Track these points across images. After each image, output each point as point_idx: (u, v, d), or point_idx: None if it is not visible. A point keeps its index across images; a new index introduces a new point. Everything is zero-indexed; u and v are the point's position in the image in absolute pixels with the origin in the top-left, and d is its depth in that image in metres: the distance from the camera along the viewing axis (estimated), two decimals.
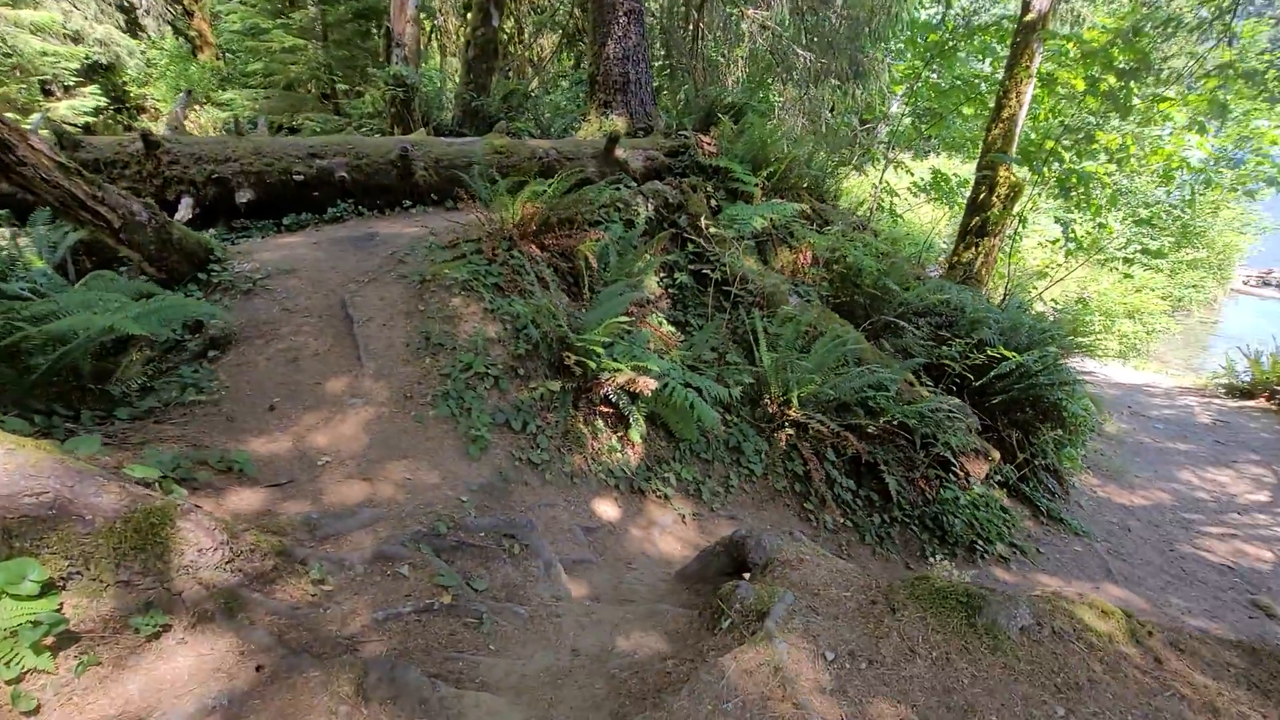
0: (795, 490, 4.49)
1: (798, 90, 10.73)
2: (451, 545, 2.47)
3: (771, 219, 5.95)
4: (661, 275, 5.56)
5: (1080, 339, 6.56)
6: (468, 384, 3.46)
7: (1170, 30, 6.31)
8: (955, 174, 11.83)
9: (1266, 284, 19.62)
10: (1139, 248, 13.11)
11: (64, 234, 4.16)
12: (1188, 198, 9.24)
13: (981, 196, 9.19)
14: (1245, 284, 19.45)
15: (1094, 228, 9.08)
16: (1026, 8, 8.38)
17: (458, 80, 9.73)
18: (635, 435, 3.87)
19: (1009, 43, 8.88)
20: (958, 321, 6.28)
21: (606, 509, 3.47)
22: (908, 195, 12.46)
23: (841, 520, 4.48)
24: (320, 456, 2.87)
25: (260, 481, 2.59)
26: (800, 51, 10.24)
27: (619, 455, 3.76)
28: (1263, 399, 8.78)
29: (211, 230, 5.19)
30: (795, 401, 4.66)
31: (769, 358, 4.83)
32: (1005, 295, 8.53)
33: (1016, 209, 9.05)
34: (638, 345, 3.91)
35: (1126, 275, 11.22)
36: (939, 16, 10.00)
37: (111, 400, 2.93)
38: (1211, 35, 6.14)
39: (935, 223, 13.80)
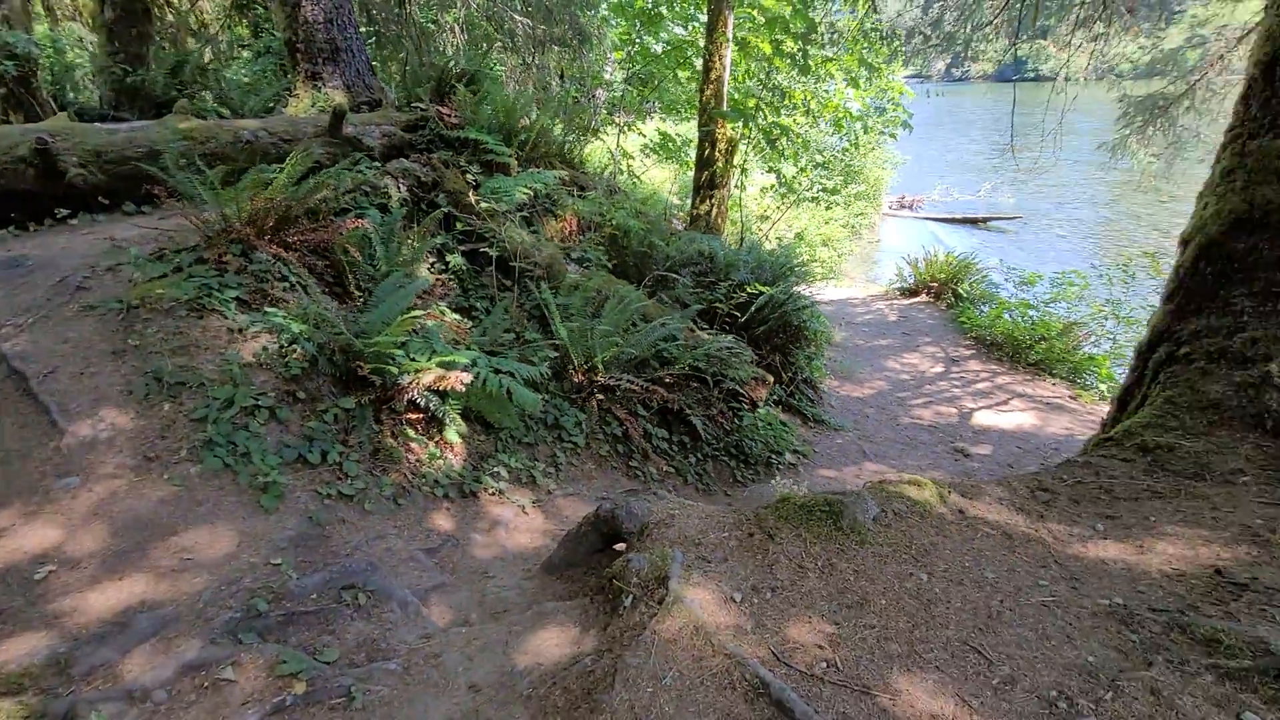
0: (619, 452, 4.57)
1: (520, 57, 10.55)
2: (280, 621, 2.00)
3: (534, 189, 5.81)
4: (432, 261, 5.11)
5: (806, 268, 7.70)
6: (235, 424, 2.79)
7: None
8: (678, 134, 12.87)
9: (903, 207, 24.83)
10: (821, 188, 15.82)
11: None
12: (854, 141, 11.29)
13: (706, 153, 10.11)
14: (890, 209, 24.44)
15: (797, 173, 10.63)
16: None
17: (98, 51, 7.60)
18: (453, 436, 3.54)
19: (706, 9, 9.79)
20: (716, 268, 6.90)
21: (442, 522, 3.14)
22: (640, 157, 13.24)
23: (665, 469, 4.70)
24: (37, 567, 2.08)
25: None
26: (518, 17, 10.03)
27: (440, 461, 3.42)
28: (924, 295, 11.34)
29: None
30: (601, 366, 4.71)
31: (565, 329, 4.78)
32: (741, 240, 9.60)
33: (736, 161, 10.20)
34: (435, 339, 3.55)
35: (829, 207, 13.42)
36: None
37: None
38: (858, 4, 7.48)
39: (669, 180, 14.93)
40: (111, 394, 2.85)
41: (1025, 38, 9.60)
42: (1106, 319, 9.05)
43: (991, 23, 9.11)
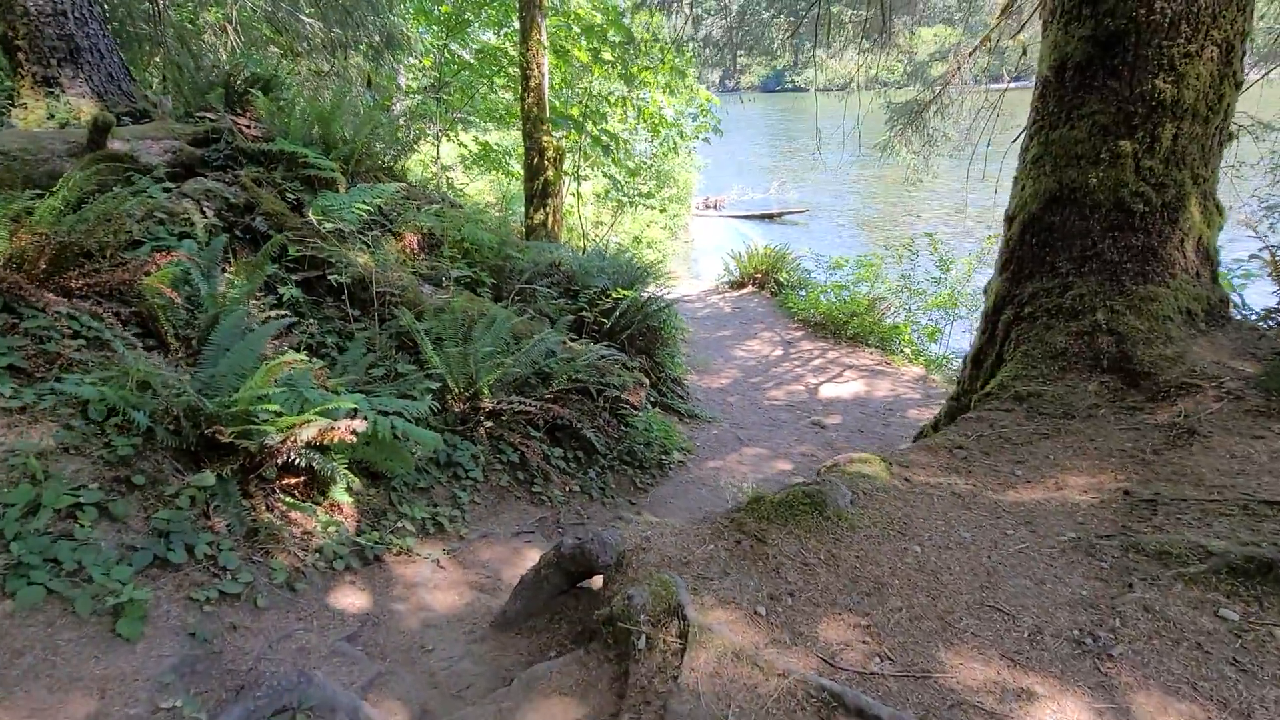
0: (519, 479, 4.26)
1: (312, 63, 9.48)
2: None
3: (373, 205, 5.21)
4: (259, 294, 4.35)
5: (657, 269, 7.89)
6: (50, 534, 2.08)
7: (642, 8, 7.76)
8: (497, 144, 12.49)
9: (708, 207, 26.66)
10: (637, 192, 16.40)
11: None
12: (671, 146, 11.83)
13: (535, 162, 9.92)
14: (698, 210, 26.11)
15: (626, 178, 10.86)
16: None
17: None
18: (341, 495, 3.02)
19: (518, 16, 9.59)
20: (573, 276, 6.78)
21: (353, 599, 2.66)
22: (460, 169, 12.63)
23: (569, 488, 4.48)
24: None
25: None
26: (307, 19, 9.01)
27: (332, 529, 2.89)
28: (750, 286, 12.25)
29: None
30: (485, 391, 4.35)
31: (439, 356, 4.34)
32: (583, 247, 9.57)
33: (567, 169, 10.14)
34: (304, 386, 2.99)
35: (661, 210, 13.89)
36: None
37: None
38: (679, 10, 7.82)
39: (486, 192, 14.42)
40: None
41: (805, 53, 10.76)
42: (901, 292, 10.49)
43: (779, 41, 10.04)
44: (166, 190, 4.41)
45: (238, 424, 2.56)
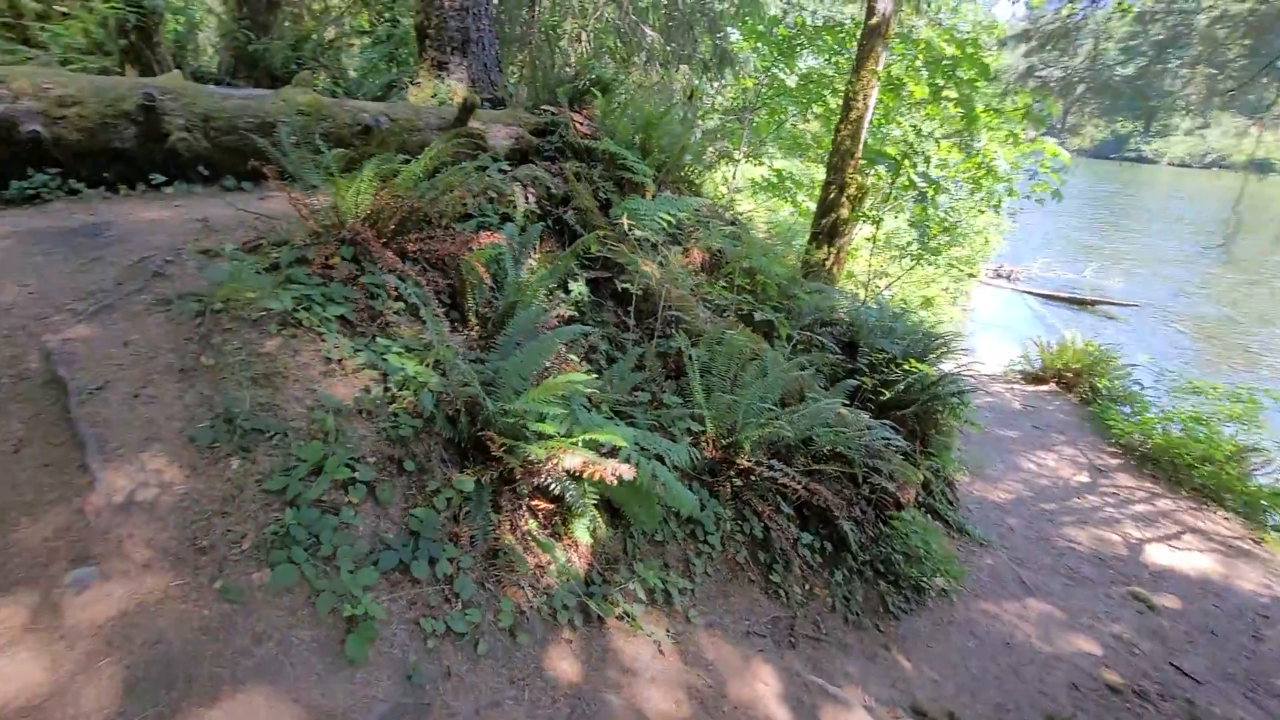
0: (757, 559, 3.63)
1: (645, 73, 9.94)
2: None
3: (675, 216, 5.00)
4: (551, 287, 4.33)
5: (952, 343, 6.65)
6: (322, 506, 1.99)
7: (1020, 42, 6.57)
8: (792, 174, 12.02)
9: (999, 276, 23.29)
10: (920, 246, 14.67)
11: None
12: (995, 203, 10.19)
13: (832, 197, 9.20)
14: (986, 277, 22.94)
15: (934, 230, 9.62)
16: (871, 11, 8.45)
17: (225, 17, 7.26)
18: (582, 534, 2.68)
19: (853, 44, 8.97)
20: (859, 332, 5.95)
21: (566, 667, 2.26)
22: (749, 194, 12.43)
23: (810, 587, 3.72)
24: None
25: None
26: (648, 30, 9.43)
27: (564, 572, 2.55)
28: (1052, 384, 10.04)
29: None
30: (745, 446, 3.80)
31: (703, 393, 3.90)
32: (866, 298, 8.60)
33: (866, 210, 9.25)
34: (575, 403, 2.71)
35: (946, 270, 12.29)
36: (786, 12, 9.85)
37: None
38: (1071, 52, 6.51)
39: (761, 220, 14.07)
40: (166, 433, 2.10)
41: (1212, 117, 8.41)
42: None
43: (1186, 96, 7.94)
44: (502, 172, 4.64)
45: (509, 435, 2.32)
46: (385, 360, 2.44)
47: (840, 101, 9.36)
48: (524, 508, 2.57)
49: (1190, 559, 5.99)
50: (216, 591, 1.71)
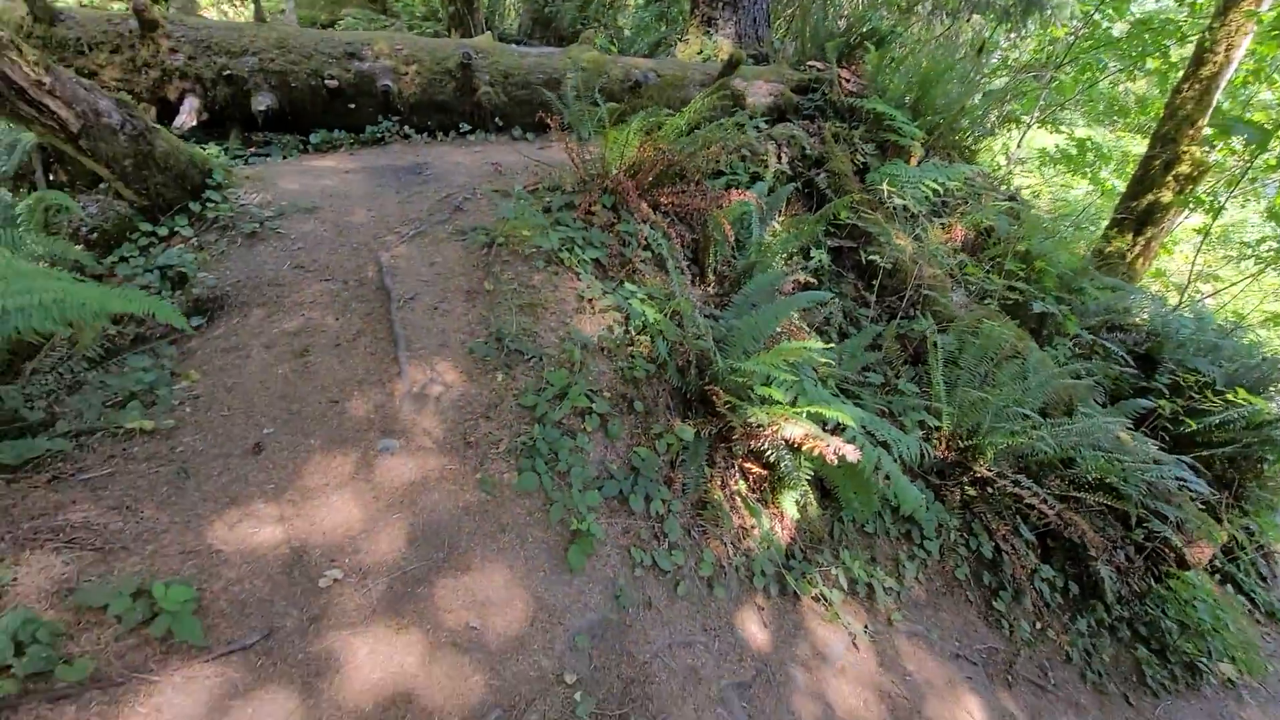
0: (980, 580, 3.23)
1: (928, 25, 8.90)
2: None
3: (941, 186, 4.48)
4: (795, 252, 4.19)
5: None
6: (562, 428, 2.21)
7: None
8: (1094, 144, 9.97)
9: None
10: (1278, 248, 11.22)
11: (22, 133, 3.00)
12: None
13: (1152, 173, 7.47)
14: None
15: None
16: None
17: None
18: (789, 506, 2.62)
19: None
20: (1161, 344, 4.83)
21: (756, 632, 2.27)
22: (1035, 165, 10.63)
23: (1040, 627, 3.23)
24: (326, 566, 1.68)
25: (206, 649, 1.40)
26: None
27: (767, 540, 2.53)
28: None
29: (220, 145, 3.93)
30: (986, 452, 3.36)
31: (949, 388, 3.50)
32: (1179, 305, 6.94)
33: (1199, 194, 7.35)
34: (804, 372, 2.61)
35: None
36: None
37: None
38: None
39: (1051, 199, 11.95)
40: (453, 342, 2.50)
41: None
42: None
43: None
44: (758, 130, 4.56)
45: (734, 393, 2.33)
46: (629, 304, 2.59)
47: (1187, 54, 7.47)
48: (736, 469, 2.58)
49: None
50: (477, 481, 2.01)
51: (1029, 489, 3.29)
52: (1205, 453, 4.45)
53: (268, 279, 2.79)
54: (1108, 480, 3.63)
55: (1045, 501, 3.29)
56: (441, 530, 1.85)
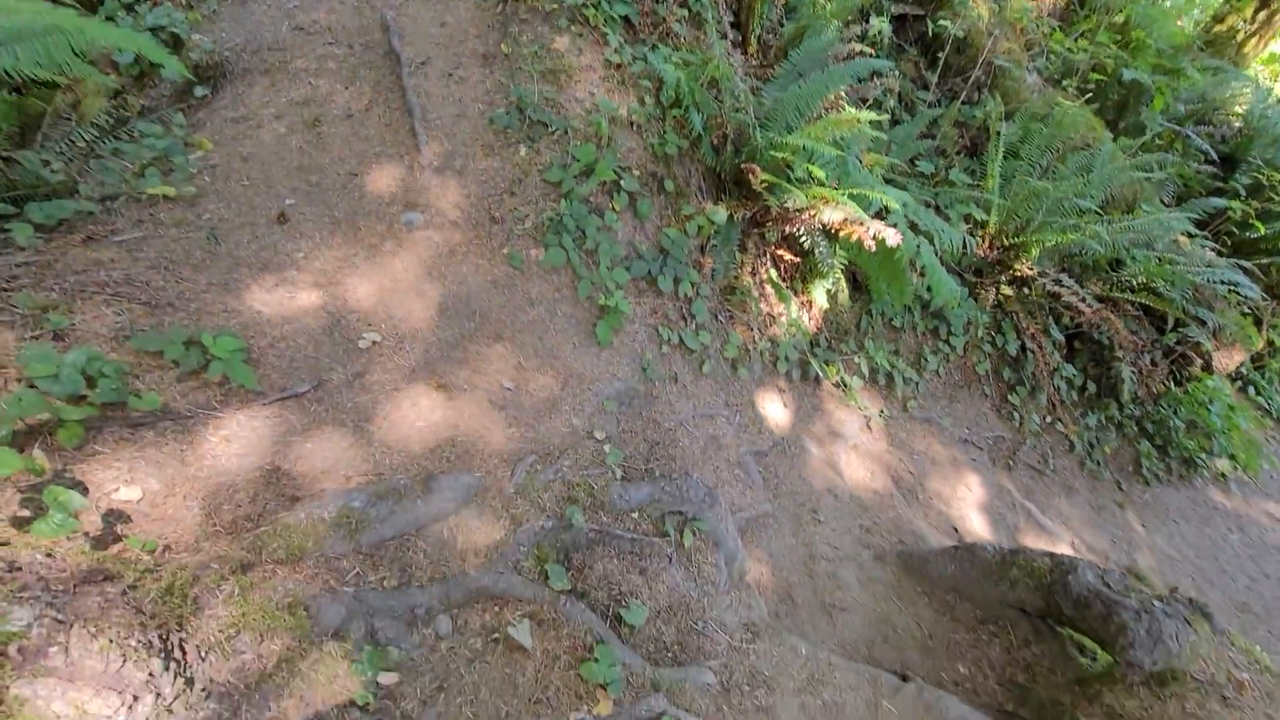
0: (1000, 376, 3.29)
1: None
2: (589, 541, 1.45)
3: None
4: (848, 20, 3.66)
5: None
6: (590, 205, 2.12)
7: None
8: None
9: None
10: None
11: None
12: None
13: None
14: None
15: None
16: None
17: None
18: (819, 296, 2.60)
19: None
20: (1251, 137, 4.34)
21: (775, 411, 2.38)
22: None
23: (1050, 420, 3.35)
24: (364, 329, 1.73)
25: (261, 394, 1.50)
26: None
27: (794, 327, 2.54)
28: None
29: None
30: (1031, 250, 3.21)
31: (1005, 181, 3.24)
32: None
33: None
34: (853, 154, 2.41)
35: None
36: None
37: (15, 186, 1.74)
38: None
39: None
40: (473, 112, 2.32)
41: None
42: None
43: None
44: None
45: (772, 172, 2.18)
46: (663, 68, 2.33)
47: None
48: (768, 255, 2.52)
49: None
50: (504, 256, 1.99)
51: (1069, 288, 3.19)
52: (1265, 260, 4.21)
53: (267, 43, 2.55)
54: (1151, 284, 3.50)
55: (1084, 300, 3.21)
56: (471, 301, 1.88)
